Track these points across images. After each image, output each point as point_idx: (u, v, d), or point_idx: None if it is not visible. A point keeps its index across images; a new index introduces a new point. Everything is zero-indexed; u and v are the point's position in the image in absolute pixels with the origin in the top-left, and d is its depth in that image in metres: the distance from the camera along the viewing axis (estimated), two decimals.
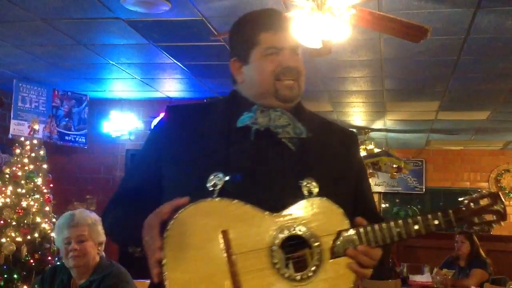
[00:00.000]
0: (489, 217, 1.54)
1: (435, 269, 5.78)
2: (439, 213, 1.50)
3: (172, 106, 1.69)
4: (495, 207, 1.54)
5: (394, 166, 8.44)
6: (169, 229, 1.38)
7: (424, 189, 10.67)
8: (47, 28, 4.80)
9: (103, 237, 2.87)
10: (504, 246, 7.13)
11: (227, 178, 1.46)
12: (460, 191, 10.65)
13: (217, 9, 4.20)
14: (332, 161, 1.61)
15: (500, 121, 7.97)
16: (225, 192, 1.45)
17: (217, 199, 1.43)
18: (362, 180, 1.72)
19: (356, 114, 8.02)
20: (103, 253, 2.92)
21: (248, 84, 1.62)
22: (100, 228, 2.85)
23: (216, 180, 1.46)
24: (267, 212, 1.43)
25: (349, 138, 1.73)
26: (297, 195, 1.47)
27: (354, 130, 6.57)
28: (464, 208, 1.52)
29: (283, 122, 1.55)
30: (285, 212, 1.44)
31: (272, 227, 1.42)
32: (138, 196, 1.58)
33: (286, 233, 1.42)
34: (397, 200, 11.06)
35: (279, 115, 1.56)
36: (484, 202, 1.53)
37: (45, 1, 4.21)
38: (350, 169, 1.66)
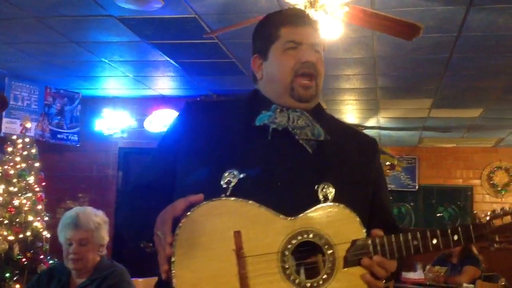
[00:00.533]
0: (510, 235, 1.47)
1: (428, 266, 5.82)
2: (459, 228, 1.45)
3: (191, 102, 1.67)
4: None
5: (388, 163, 8.46)
6: (180, 226, 1.36)
7: (417, 186, 10.70)
8: (39, 26, 4.78)
9: (105, 239, 2.87)
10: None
11: (241, 176, 1.44)
12: (452, 188, 10.70)
13: (210, 6, 4.18)
14: (350, 167, 1.57)
15: (492, 119, 8.00)
16: (239, 190, 1.42)
17: (232, 198, 1.40)
18: (380, 190, 1.66)
19: (349, 112, 8.03)
20: (105, 251, 2.91)
21: (267, 81, 1.60)
22: (103, 231, 2.85)
23: (230, 177, 1.44)
24: (282, 216, 1.39)
25: (370, 145, 1.69)
26: (312, 199, 1.44)
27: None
28: (485, 225, 1.46)
29: (301, 123, 1.52)
30: (300, 216, 1.40)
31: (286, 231, 1.39)
32: (153, 190, 1.56)
33: (299, 239, 1.39)
34: (390, 198, 11.08)
35: (298, 115, 1.53)
36: (507, 219, 1.47)
37: None
38: (368, 176, 1.61)
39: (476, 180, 10.57)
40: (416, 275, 5.80)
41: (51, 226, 5.71)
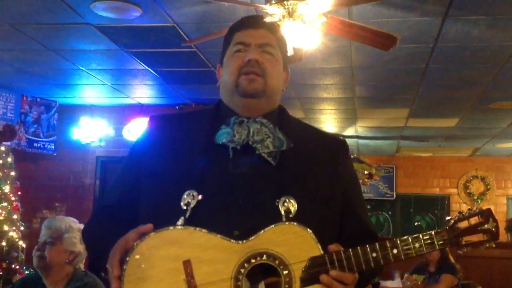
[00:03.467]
0: (478, 237, 1.41)
1: (406, 275, 5.84)
2: (420, 236, 1.38)
3: (155, 116, 1.62)
4: (487, 226, 1.41)
5: (366, 172, 8.52)
6: (127, 261, 1.32)
7: (395, 195, 10.79)
8: (15, 33, 4.73)
9: (77, 248, 2.84)
10: (473, 251, 7.22)
11: (200, 197, 1.40)
12: (429, 197, 10.81)
13: (188, 15, 4.18)
14: (316, 176, 1.51)
15: (468, 128, 8.11)
16: (198, 212, 1.39)
17: (179, 227, 1.36)
18: (352, 196, 1.58)
19: (327, 121, 8.08)
20: (81, 265, 2.88)
21: (222, 85, 1.59)
22: (74, 238, 2.82)
23: (189, 198, 1.40)
24: (232, 240, 1.35)
25: (338, 147, 1.61)
26: (274, 215, 1.39)
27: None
28: (448, 229, 1.39)
29: (262, 135, 1.48)
30: (252, 239, 1.35)
31: (238, 256, 1.34)
32: (117, 214, 1.52)
33: (253, 262, 1.33)
34: (368, 207, 11.16)
35: (258, 128, 1.49)
36: (474, 220, 1.40)
37: (12, 5, 4.14)
38: (337, 183, 1.54)
39: (453, 189, 10.70)
40: (394, 283, 5.82)
41: (27, 236, 5.64)
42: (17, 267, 5.26)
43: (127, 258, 1.32)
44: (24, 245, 5.38)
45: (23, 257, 5.38)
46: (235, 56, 1.54)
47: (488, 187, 10.52)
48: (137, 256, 1.33)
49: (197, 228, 1.35)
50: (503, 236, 8.86)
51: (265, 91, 1.52)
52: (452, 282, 5.58)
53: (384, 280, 5.85)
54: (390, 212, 11.01)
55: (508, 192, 10.57)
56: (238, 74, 1.51)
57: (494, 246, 1.42)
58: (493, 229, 1.41)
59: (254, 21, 1.60)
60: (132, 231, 1.36)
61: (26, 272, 5.21)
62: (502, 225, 8.71)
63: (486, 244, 1.42)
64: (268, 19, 3.42)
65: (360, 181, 8.72)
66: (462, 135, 8.59)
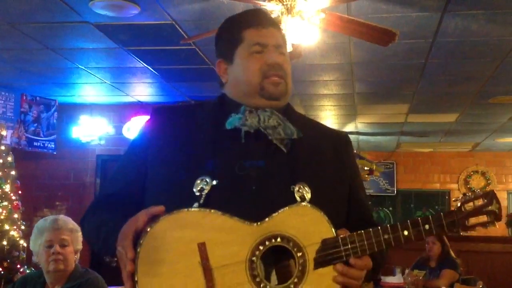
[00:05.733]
0: (482, 218, 1.45)
1: (407, 270, 5.84)
2: (430, 218, 1.41)
3: (158, 108, 1.62)
4: (490, 208, 1.45)
5: (366, 168, 8.52)
6: (141, 244, 1.31)
7: (395, 191, 10.79)
8: (14, 32, 4.72)
9: (81, 245, 2.85)
10: (473, 246, 7.22)
11: (214, 182, 1.40)
12: (430, 192, 10.81)
13: (187, 12, 4.18)
14: (325, 165, 1.54)
15: (468, 123, 8.10)
16: (213, 198, 1.38)
17: (193, 209, 1.35)
18: (357, 187, 1.62)
19: (327, 117, 8.07)
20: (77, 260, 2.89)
21: (234, 84, 1.57)
22: (79, 236, 2.83)
23: (202, 184, 1.40)
24: (247, 222, 1.34)
25: (342, 140, 1.65)
26: (289, 201, 1.39)
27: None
28: (456, 211, 1.43)
29: (273, 122, 1.48)
30: (266, 221, 1.35)
31: (252, 238, 1.34)
32: (121, 199, 1.51)
33: (267, 244, 1.34)
34: (369, 202, 11.15)
35: (269, 115, 1.49)
36: (478, 202, 1.45)
37: (11, 5, 4.14)
38: (344, 173, 1.57)
39: (453, 184, 10.69)
40: (395, 279, 5.82)
41: (28, 235, 5.62)
42: (18, 266, 5.27)
43: (141, 241, 1.31)
44: (25, 244, 5.37)
45: (24, 256, 5.38)
46: (254, 57, 1.53)
47: (489, 182, 10.51)
48: (152, 239, 1.31)
49: (212, 210, 1.35)
50: (504, 231, 8.85)
51: (287, 92, 1.57)
52: (453, 277, 5.58)
53: (385, 276, 5.86)
54: (390, 208, 11.01)
55: (508, 187, 10.57)
56: (262, 77, 1.52)
57: (497, 226, 1.48)
58: (496, 210, 1.45)
59: (263, 19, 1.59)
60: (142, 212, 1.34)
61: (27, 271, 5.21)
62: (503, 220, 8.71)
63: (489, 225, 1.46)
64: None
65: None
66: (462, 130, 8.59)
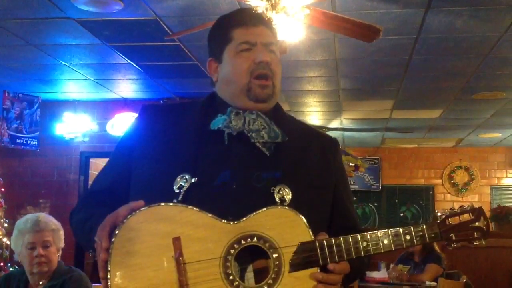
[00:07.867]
0: (469, 233, 1.43)
1: (391, 265, 5.88)
2: (411, 228, 1.40)
3: (147, 106, 1.64)
4: (477, 224, 1.42)
5: (351, 164, 8.55)
6: (116, 234, 1.31)
7: (380, 187, 10.84)
8: None
9: (63, 243, 2.85)
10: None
11: (193, 180, 1.41)
12: (414, 188, 10.88)
13: (170, 8, 4.15)
14: (309, 168, 1.53)
15: (452, 119, 8.16)
16: (191, 195, 1.39)
17: (171, 203, 1.35)
18: (343, 192, 1.61)
19: (312, 114, 8.08)
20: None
21: (223, 83, 1.57)
22: (61, 234, 2.83)
23: (182, 182, 1.41)
24: (224, 220, 1.34)
25: (330, 145, 1.64)
26: (268, 202, 1.39)
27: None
28: (439, 223, 1.41)
29: (258, 125, 1.48)
30: (243, 220, 1.35)
31: (229, 236, 1.33)
32: (107, 198, 1.52)
33: (243, 243, 1.33)
34: (354, 198, 11.15)
35: (254, 118, 1.49)
36: (465, 217, 1.42)
37: None
38: (329, 178, 1.57)
39: (437, 179, 10.77)
40: (380, 274, 5.85)
41: (11, 233, 5.58)
42: (2, 264, 5.22)
43: (116, 231, 1.31)
44: (8, 242, 5.32)
45: (7, 254, 5.33)
46: (241, 56, 1.53)
47: (472, 177, 10.60)
48: (127, 230, 1.31)
49: (189, 206, 1.35)
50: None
51: (274, 93, 1.55)
52: (437, 271, 5.62)
53: (370, 271, 5.88)
54: (375, 204, 11.07)
55: (492, 182, 10.67)
56: (250, 77, 1.51)
57: (484, 244, 1.44)
58: (484, 227, 1.43)
59: (253, 18, 1.58)
60: (123, 207, 1.35)
61: (11, 269, 5.16)
62: (487, 215, 8.79)
63: (476, 241, 1.44)
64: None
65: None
66: (446, 126, 8.65)
